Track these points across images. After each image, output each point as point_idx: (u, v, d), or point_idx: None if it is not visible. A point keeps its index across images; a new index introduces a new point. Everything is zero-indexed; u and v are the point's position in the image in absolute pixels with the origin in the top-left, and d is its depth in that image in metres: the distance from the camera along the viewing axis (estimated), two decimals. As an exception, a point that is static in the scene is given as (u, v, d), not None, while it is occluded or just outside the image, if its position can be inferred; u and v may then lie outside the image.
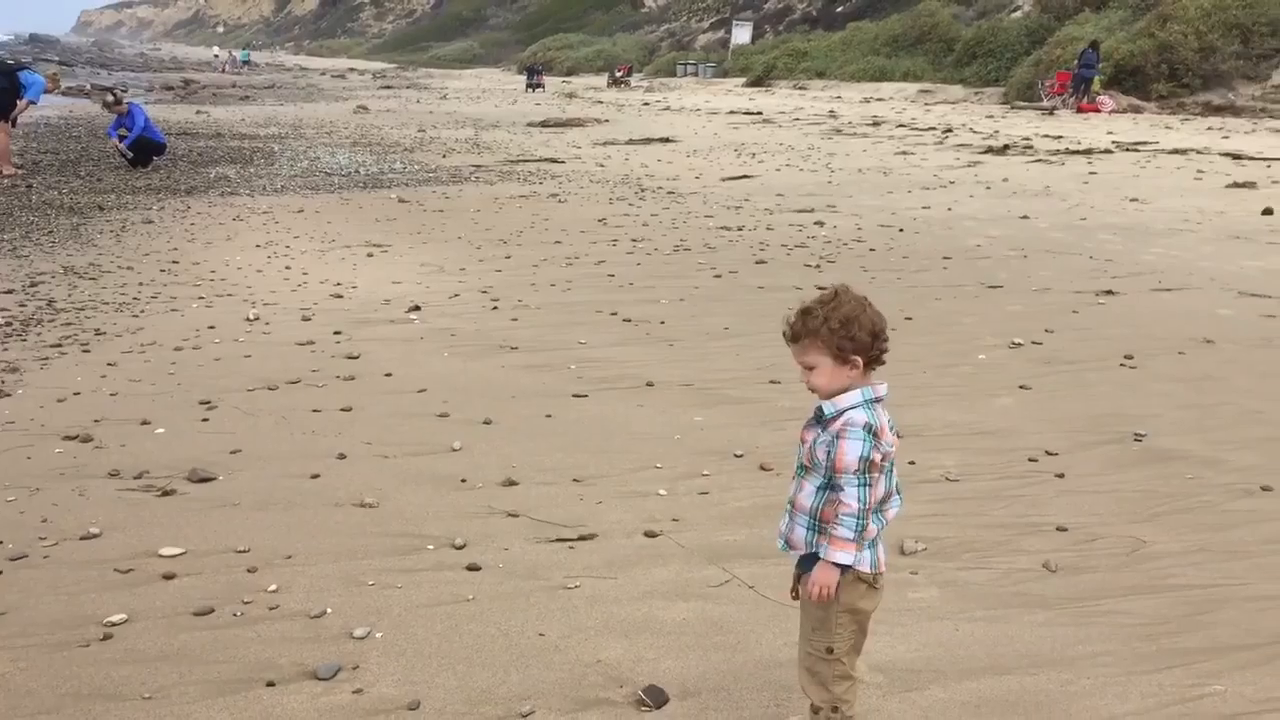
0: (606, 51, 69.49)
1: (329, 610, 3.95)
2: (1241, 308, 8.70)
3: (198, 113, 31.96)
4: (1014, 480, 5.30)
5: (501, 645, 3.75)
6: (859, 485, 2.75)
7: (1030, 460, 5.53)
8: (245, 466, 5.32)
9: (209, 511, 4.80)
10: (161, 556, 4.35)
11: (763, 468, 5.38)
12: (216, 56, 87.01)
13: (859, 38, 48.37)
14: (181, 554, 4.37)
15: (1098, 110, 29.90)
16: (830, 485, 2.80)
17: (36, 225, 12.16)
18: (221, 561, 4.33)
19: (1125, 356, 7.31)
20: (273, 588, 4.11)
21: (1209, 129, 25.18)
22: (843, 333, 2.74)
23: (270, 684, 3.49)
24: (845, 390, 2.78)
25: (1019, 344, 7.66)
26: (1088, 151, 20.70)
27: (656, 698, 3.39)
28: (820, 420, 2.81)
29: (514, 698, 3.44)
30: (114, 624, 3.83)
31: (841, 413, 2.77)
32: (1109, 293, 9.23)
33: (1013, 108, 33.12)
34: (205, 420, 5.98)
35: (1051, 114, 30.37)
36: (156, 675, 3.53)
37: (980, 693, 3.52)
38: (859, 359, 2.76)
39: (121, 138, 17.86)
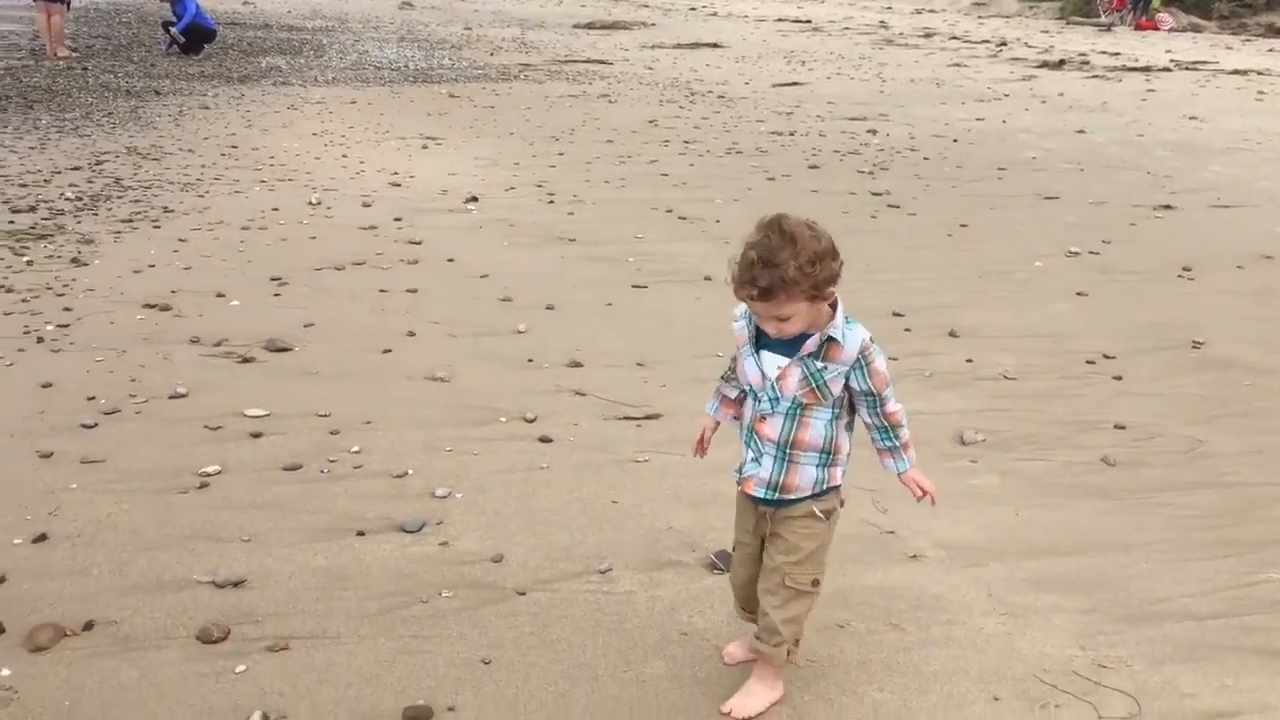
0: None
1: (410, 471, 4.11)
2: (1302, 226, 8.64)
3: (244, 3, 31.66)
4: (1072, 380, 5.37)
5: (577, 509, 3.90)
6: (894, 390, 2.72)
7: (1088, 363, 5.59)
8: (319, 339, 5.47)
9: (288, 378, 4.96)
10: (247, 416, 4.52)
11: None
12: None
13: (913, -53, 47.06)
14: (266, 415, 4.54)
15: (1156, 28, 29.17)
16: (861, 407, 2.70)
17: (96, 107, 12.26)
18: (304, 424, 4.49)
19: (1183, 269, 7.30)
20: (355, 449, 4.28)
21: (1270, 50, 24.56)
22: (817, 273, 2.48)
23: (360, 533, 3.66)
24: (820, 317, 2.59)
25: (1076, 253, 7.65)
26: (1145, 69, 20.28)
27: (727, 561, 3.53)
28: (817, 353, 2.60)
29: (592, 556, 3.59)
30: (209, 474, 4.01)
31: (843, 339, 2.60)
32: (1167, 207, 9.16)
33: (1069, 23, 32.34)
34: (277, 295, 6.12)
35: (1109, 30, 29.66)
36: (253, 521, 3.70)
37: (1040, 571, 3.64)
38: (833, 289, 2.56)
39: (171, 24, 17.84)
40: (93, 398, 4.63)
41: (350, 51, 20.22)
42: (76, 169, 9.03)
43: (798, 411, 2.66)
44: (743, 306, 2.68)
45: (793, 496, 2.72)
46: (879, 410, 2.71)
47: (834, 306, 2.61)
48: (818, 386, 2.63)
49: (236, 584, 3.33)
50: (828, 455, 2.71)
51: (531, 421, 4.63)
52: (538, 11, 35.32)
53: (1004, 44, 25.53)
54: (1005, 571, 3.63)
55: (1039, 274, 7.19)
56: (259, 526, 3.67)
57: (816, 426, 2.67)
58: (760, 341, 2.67)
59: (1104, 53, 23.40)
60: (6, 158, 9.31)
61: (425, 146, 11.05)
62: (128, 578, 3.34)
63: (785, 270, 2.45)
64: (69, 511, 3.70)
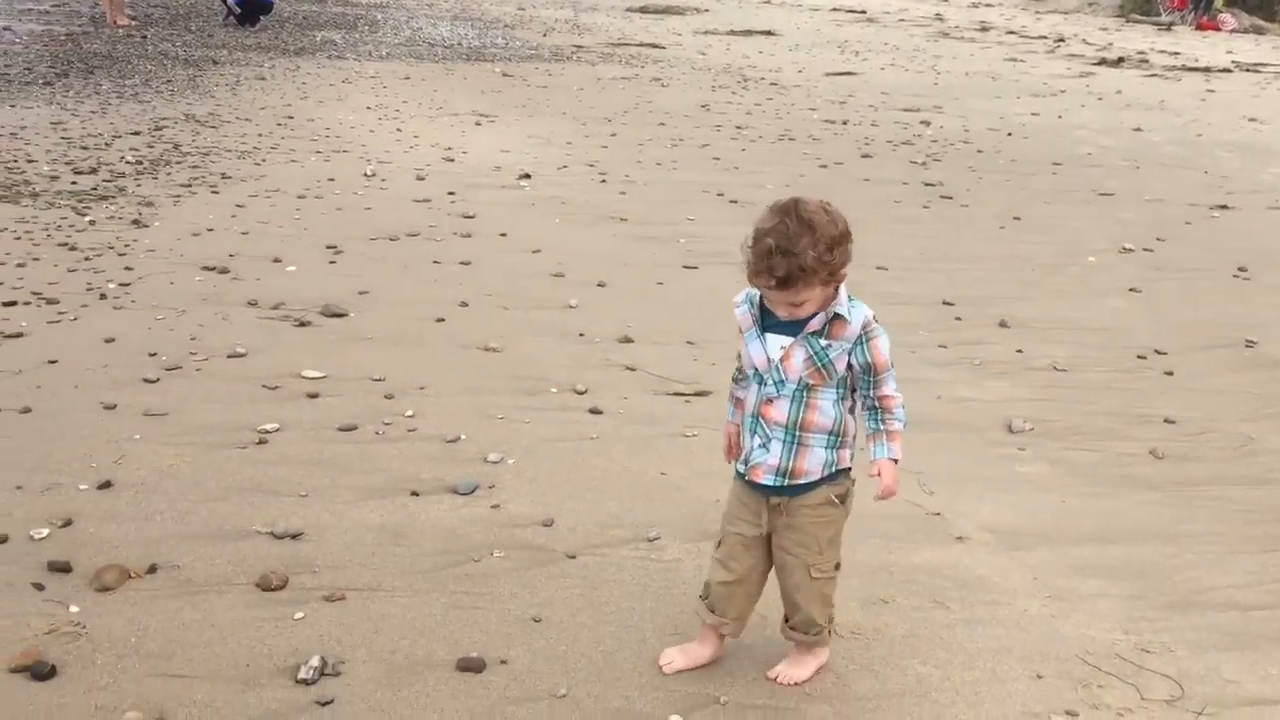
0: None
1: (463, 436, 4.18)
2: (1362, 230, 8.51)
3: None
4: (1122, 374, 5.35)
5: (626, 480, 3.95)
6: (894, 376, 2.68)
7: (1139, 357, 5.57)
8: (373, 306, 5.55)
9: (344, 343, 5.04)
10: (304, 377, 4.61)
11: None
12: None
13: (971, -61, 46.58)
14: (323, 377, 4.63)
15: (1218, 29, 28.71)
16: (856, 387, 2.68)
17: (155, 74, 12.44)
18: (360, 387, 4.57)
19: (1238, 268, 7.23)
20: (409, 413, 4.35)
21: (1336, 54, 24.13)
22: (835, 259, 2.48)
23: (414, 494, 3.73)
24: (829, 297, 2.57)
25: (1130, 249, 7.60)
26: (1205, 69, 19.99)
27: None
28: (821, 331, 2.57)
29: (640, 524, 3.64)
30: (267, 431, 4.10)
31: (848, 316, 2.58)
32: (1224, 207, 9.06)
33: (1128, 21, 31.91)
34: (333, 263, 6.21)
35: (1169, 29, 29.24)
36: (309, 478, 3.79)
37: (1085, 557, 3.65)
38: (845, 270, 2.55)
39: (231, -4, 18.05)
40: (154, 354, 4.73)
41: (404, 28, 20.35)
42: (136, 134, 9.18)
43: (804, 393, 2.63)
44: (744, 292, 2.68)
45: (803, 481, 2.69)
46: (873, 392, 2.67)
47: (835, 290, 2.57)
48: (822, 365, 2.60)
49: (294, 536, 3.41)
50: (836, 437, 2.69)
51: (582, 393, 4.68)
52: (591, -6, 35.29)
53: (1061, 40, 25.26)
54: (1051, 556, 3.64)
55: (1092, 269, 7.14)
56: (315, 483, 3.75)
57: (824, 407, 2.65)
58: (765, 323, 2.64)
59: (1163, 52, 23.08)
60: (69, 121, 9.48)
61: (478, 123, 11.12)
62: (189, 525, 3.43)
63: (804, 259, 2.42)
64: (132, 461, 3.80)
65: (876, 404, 2.68)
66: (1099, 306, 6.36)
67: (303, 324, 5.23)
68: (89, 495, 3.56)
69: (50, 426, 4.01)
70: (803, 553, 2.72)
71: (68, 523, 3.39)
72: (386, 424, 4.25)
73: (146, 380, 4.47)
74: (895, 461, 2.71)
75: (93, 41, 14.62)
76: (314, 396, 4.45)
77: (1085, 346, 5.68)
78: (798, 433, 2.65)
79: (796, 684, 2.85)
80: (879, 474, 2.71)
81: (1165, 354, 5.62)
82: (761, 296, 2.63)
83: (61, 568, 3.14)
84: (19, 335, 4.82)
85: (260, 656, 2.84)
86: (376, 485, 3.77)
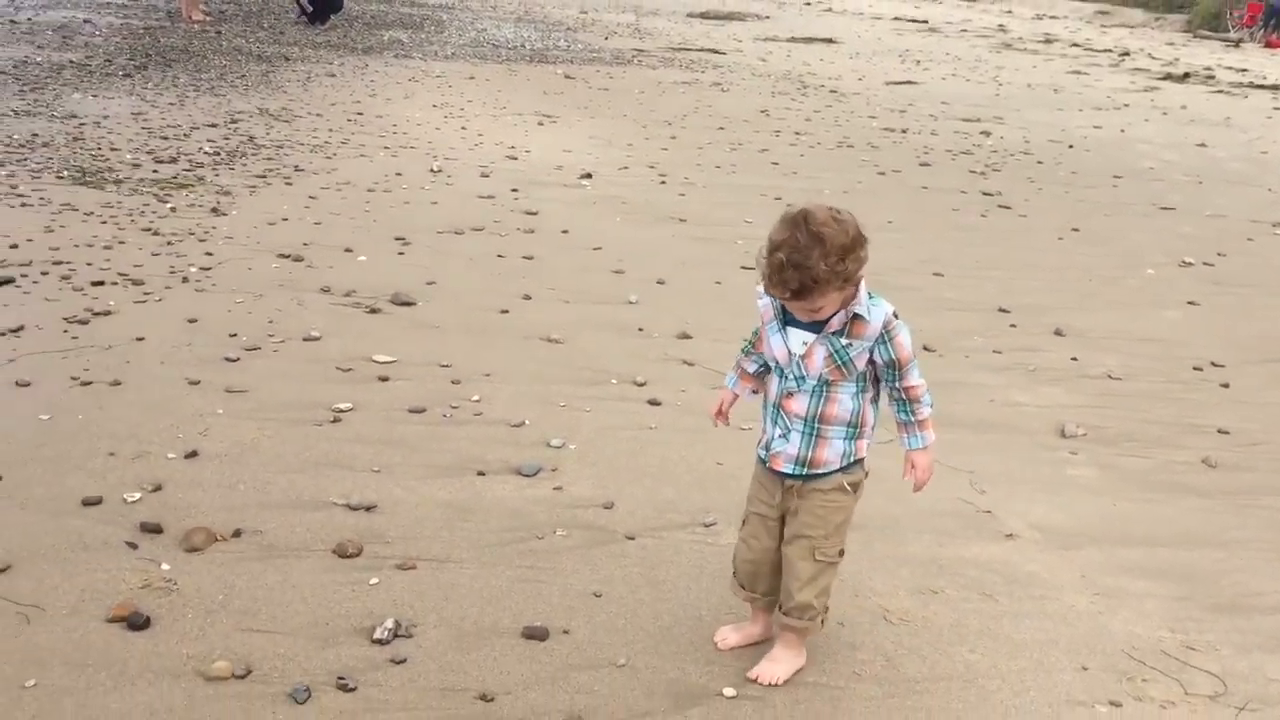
0: (770, -52, 67.83)
1: (527, 421, 4.33)
2: None
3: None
4: (1177, 385, 5.39)
5: (683, 468, 4.08)
6: (918, 367, 2.76)
7: (1195, 369, 5.60)
8: (440, 297, 5.72)
9: (412, 330, 5.22)
10: (375, 362, 4.79)
11: (925, 348, 5.55)
12: None
13: (1037, -49, 46.22)
14: (393, 361, 4.80)
15: (1288, 46, 28.29)
16: (878, 381, 2.77)
17: (230, 69, 12.75)
18: (428, 372, 4.74)
19: (1299, 285, 7.22)
20: (476, 398, 4.51)
21: None
22: (848, 267, 2.54)
23: (480, 473, 3.89)
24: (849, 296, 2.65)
25: (1189, 263, 7.61)
26: (1274, 87, 19.75)
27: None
28: (842, 331, 2.66)
29: (697, 510, 3.77)
30: (342, 410, 4.28)
31: (868, 315, 2.65)
32: (1286, 225, 9.02)
33: (1196, 36, 31.53)
34: (401, 254, 6.40)
35: (1237, 46, 28.86)
36: (382, 455, 3.96)
37: (1134, 558, 3.72)
38: (861, 274, 2.61)
39: (305, -7, 18.44)
40: (235, 334, 4.94)
41: (469, 29, 20.63)
42: (213, 126, 9.46)
43: (824, 388, 2.72)
44: None
45: (821, 470, 2.78)
46: (898, 384, 2.75)
47: (857, 285, 2.63)
48: (842, 363, 2.68)
49: (368, 508, 3.57)
50: (854, 429, 2.78)
51: (641, 385, 4.82)
52: (653, -1, 35.48)
53: (1126, 54, 25.04)
54: (1099, 556, 3.72)
55: (1150, 281, 7.17)
56: (387, 460, 3.92)
57: (843, 401, 2.74)
58: (786, 318, 2.72)
59: (1230, 68, 22.81)
60: (149, 112, 9.79)
61: (541, 124, 11.30)
62: (270, 495, 3.61)
63: (816, 270, 2.49)
64: (216, 433, 3.99)
65: (904, 395, 2.77)
66: (1156, 318, 6.39)
67: (374, 311, 5.41)
68: (177, 463, 3.75)
69: (139, 399, 4.22)
70: (811, 533, 2.82)
71: (158, 488, 3.58)
72: (454, 407, 4.41)
73: (228, 359, 4.67)
74: (928, 448, 2.82)
75: (169, 36, 14.99)
76: (384, 380, 4.62)
77: (1141, 357, 5.73)
78: (817, 425, 2.75)
79: (775, 683, 2.87)
80: (913, 467, 2.84)
81: (1222, 367, 5.65)
82: None
83: (153, 529, 3.32)
84: (108, 313, 5.04)
85: (338, 617, 3.00)
86: (445, 464, 3.93)
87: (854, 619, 3.21)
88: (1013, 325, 6.07)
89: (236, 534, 3.35)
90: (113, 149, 8.25)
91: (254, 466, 3.79)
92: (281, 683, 2.72)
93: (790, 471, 2.80)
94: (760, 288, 2.74)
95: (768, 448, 2.84)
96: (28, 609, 2.92)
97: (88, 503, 3.45)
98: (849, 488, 2.82)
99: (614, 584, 3.28)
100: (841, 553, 2.89)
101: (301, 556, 3.28)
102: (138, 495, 3.52)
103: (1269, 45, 28.51)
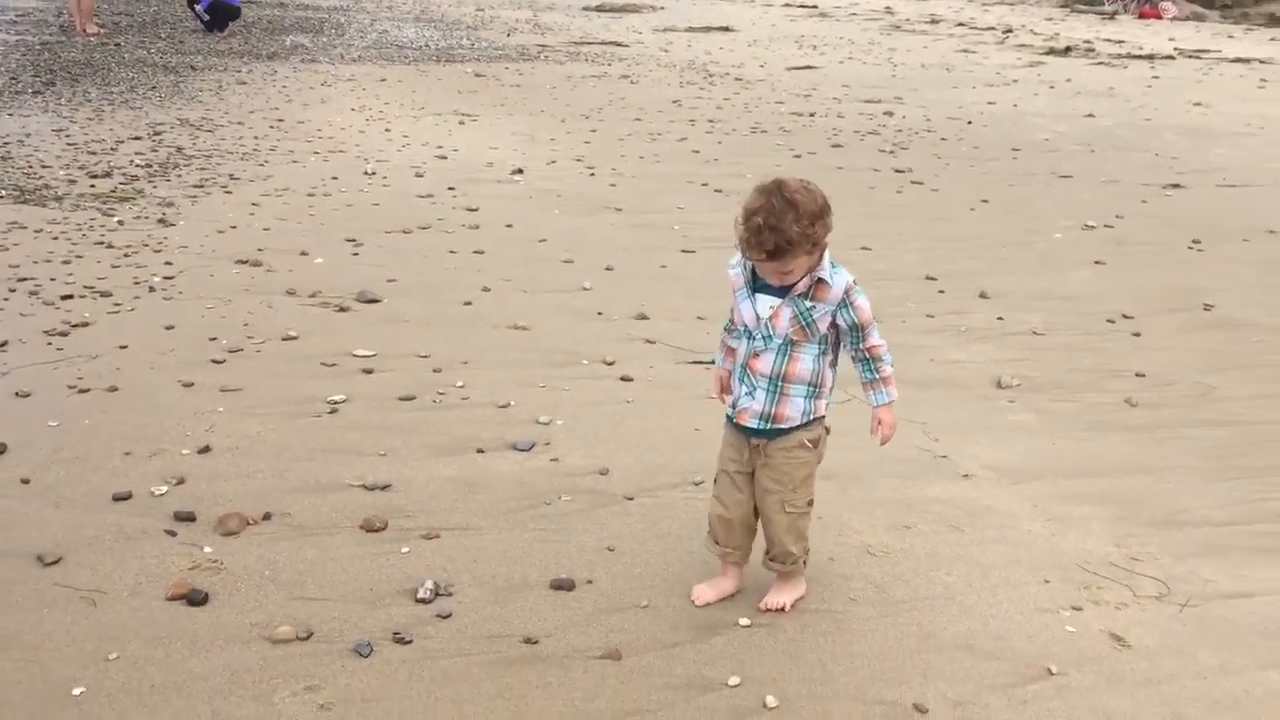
0: (655, -62, 68.33)
1: (512, 403, 4.61)
2: (1303, 204, 9.14)
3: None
4: (1094, 336, 5.88)
5: (664, 435, 4.40)
6: (877, 329, 3.06)
7: (1108, 321, 6.09)
8: (403, 293, 5.95)
9: (384, 325, 5.45)
10: (357, 356, 5.02)
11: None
12: None
13: (916, -66, 47.40)
14: (374, 355, 5.03)
15: (1159, 17, 29.61)
16: (838, 345, 3.06)
17: (139, 81, 12.68)
18: (408, 363, 4.99)
19: (1193, 241, 7.80)
20: (460, 384, 4.77)
21: (1272, 40, 25.01)
22: (817, 231, 2.81)
23: (480, 451, 4.16)
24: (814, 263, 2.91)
25: (1092, 226, 8.15)
26: (1150, 57, 20.75)
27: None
28: (806, 293, 2.92)
29: (684, 471, 4.09)
30: (336, 402, 4.51)
31: (830, 280, 2.92)
32: (1175, 186, 9.66)
33: (1073, 11, 32.76)
34: (356, 254, 6.61)
35: (1112, 18, 30.11)
36: (383, 440, 4.20)
37: (1076, 488, 4.15)
38: (827, 239, 2.88)
39: (196, 2, 18.27)
40: (214, 338, 5.12)
41: (370, 30, 20.61)
42: (137, 139, 9.48)
43: (788, 348, 2.98)
44: (737, 255, 2.99)
45: (784, 426, 3.03)
46: (861, 345, 3.03)
47: (822, 251, 2.90)
48: (806, 324, 2.95)
49: (384, 488, 3.83)
50: (814, 388, 3.04)
51: (611, 364, 5.12)
52: (546, -6, 35.59)
53: (1009, 31, 25.99)
54: (1046, 488, 4.14)
55: (1059, 244, 7.69)
56: (390, 444, 4.17)
57: (805, 361, 3.00)
58: (755, 284, 2.99)
59: (1108, 40, 23.84)
60: (69, 128, 9.76)
61: (462, 122, 11.50)
62: (288, 481, 3.84)
63: (789, 233, 2.76)
64: (222, 429, 4.20)
65: (867, 354, 3.06)
66: (1068, 278, 6.90)
67: (343, 309, 5.62)
68: (192, 459, 3.96)
69: (139, 402, 4.39)
70: (778, 489, 3.09)
71: (180, 481, 3.78)
72: (441, 394, 4.67)
73: (214, 361, 4.85)
74: (892, 403, 3.13)
75: (68, 50, 14.78)
76: (369, 372, 4.85)
77: (1059, 313, 6.20)
78: (780, 383, 3.01)
79: (780, 609, 3.19)
80: (879, 423, 3.13)
81: (1132, 318, 6.15)
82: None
83: (186, 517, 3.54)
84: (85, 324, 5.17)
85: (380, 582, 3.26)
86: (445, 445, 4.20)
87: (842, 555, 3.57)
88: (941, 291, 6.50)
89: (267, 517, 3.58)
90: (44, 166, 8.26)
91: (266, 457, 4.01)
92: (343, 641, 2.98)
93: (755, 426, 3.05)
94: (731, 261, 3.04)
95: (735, 405, 3.11)
96: (91, 594, 3.12)
97: (119, 498, 3.65)
98: (809, 444, 3.10)
99: (623, 539, 3.58)
100: (810, 503, 3.17)
101: (332, 533, 3.52)
102: (164, 489, 3.72)
103: (1143, 16, 29.79)
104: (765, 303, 2.97)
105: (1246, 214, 8.68)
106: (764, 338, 2.99)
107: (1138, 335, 5.90)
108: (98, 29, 16.97)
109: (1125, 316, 6.17)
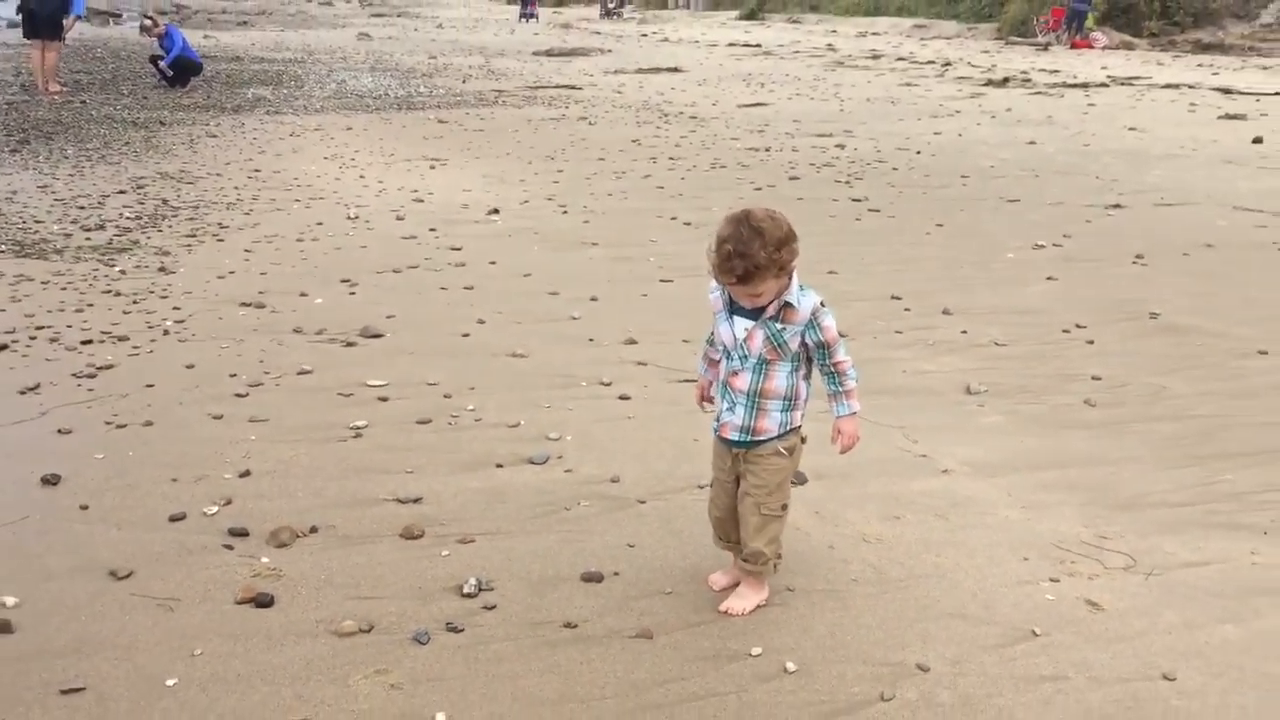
0: (598, -17, 69.37)
1: (522, 422, 4.95)
2: (1236, 220, 9.72)
3: (205, 37, 32.15)
4: (1052, 345, 6.32)
5: (667, 446, 4.75)
6: (844, 346, 3.33)
7: (1064, 331, 6.55)
8: (404, 328, 6.28)
9: (391, 357, 5.77)
10: (370, 386, 5.34)
11: (840, 334, 6.33)
12: None
13: (853, -27, 48.69)
14: (386, 384, 5.36)
15: (1091, 46, 30.71)
16: (810, 360, 3.31)
17: (112, 137, 12.94)
18: (419, 390, 5.31)
19: (1136, 256, 8.32)
20: (470, 407, 5.11)
21: (1199, 65, 26.09)
22: (783, 256, 3.04)
23: (499, 465, 4.49)
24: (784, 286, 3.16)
25: (1042, 245, 8.66)
26: (1084, 85, 21.60)
27: (800, 478, 4.40)
28: (776, 316, 3.18)
29: (689, 477, 4.44)
30: (359, 427, 4.82)
31: (797, 304, 3.18)
32: (1117, 206, 10.22)
33: (1007, 43, 33.86)
34: (352, 294, 6.93)
35: (1046, 49, 31.17)
36: (408, 459, 4.52)
37: (1046, 479, 4.55)
38: (794, 264, 3.11)
39: (159, 58, 18.56)
40: (234, 375, 5.41)
41: (328, 81, 20.98)
42: (122, 192, 9.75)
43: (763, 366, 3.23)
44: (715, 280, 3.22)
45: (762, 438, 3.27)
46: (828, 361, 3.28)
47: (790, 277, 3.14)
48: (778, 344, 3.19)
49: (416, 500, 4.14)
50: (789, 401, 3.28)
51: (608, 385, 5.48)
52: (494, 40, 36.20)
53: (949, 64, 26.85)
54: (1018, 479, 4.54)
55: (1012, 263, 8.17)
56: (415, 462, 4.49)
57: (779, 378, 3.25)
58: (733, 308, 3.23)
59: (1044, 70, 24.75)
60: (53, 184, 10.01)
61: (433, 167, 11.87)
62: (326, 498, 4.15)
63: (757, 259, 2.98)
64: (258, 455, 4.50)
65: (833, 369, 3.31)
66: (1024, 293, 7.36)
67: (349, 345, 5.94)
68: (235, 481, 4.26)
69: (175, 434, 4.68)
70: (756, 492, 3.33)
71: (228, 502, 4.08)
72: (455, 416, 5.00)
73: (238, 395, 5.15)
74: (854, 414, 3.37)
75: (35, 109, 15.00)
76: (384, 400, 5.17)
77: (1018, 326, 6.65)
78: (757, 399, 3.26)
79: (742, 614, 3.41)
80: (839, 433, 3.36)
81: (1085, 327, 6.61)
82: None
83: (240, 533, 3.83)
84: (110, 366, 5.45)
85: (427, 581, 3.58)
86: (465, 461, 4.52)
87: (840, 543, 3.93)
88: (906, 309, 6.93)
89: (313, 530, 3.89)
90: (37, 221, 8.51)
91: (302, 477, 4.32)
92: (401, 632, 3.29)
93: (736, 439, 3.31)
94: (711, 285, 3.27)
95: (719, 419, 3.37)
96: (167, 601, 3.41)
97: (174, 519, 3.94)
98: (784, 451, 3.33)
99: (642, 537, 3.93)
100: (784, 507, 3.40)
101: (375, 542, 3.84)
102: (214, 509, 4.02)
103: (1074, 46, 30.87)
104: (740, 325, 3.22)
105: (1184, 230, 9.23)
106: (740, 357, 3.25)
107: (1091, 343, 6.35)
108: (60, 87, 17.19)
109: (1079, 326, 6.62)
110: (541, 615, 3.42)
